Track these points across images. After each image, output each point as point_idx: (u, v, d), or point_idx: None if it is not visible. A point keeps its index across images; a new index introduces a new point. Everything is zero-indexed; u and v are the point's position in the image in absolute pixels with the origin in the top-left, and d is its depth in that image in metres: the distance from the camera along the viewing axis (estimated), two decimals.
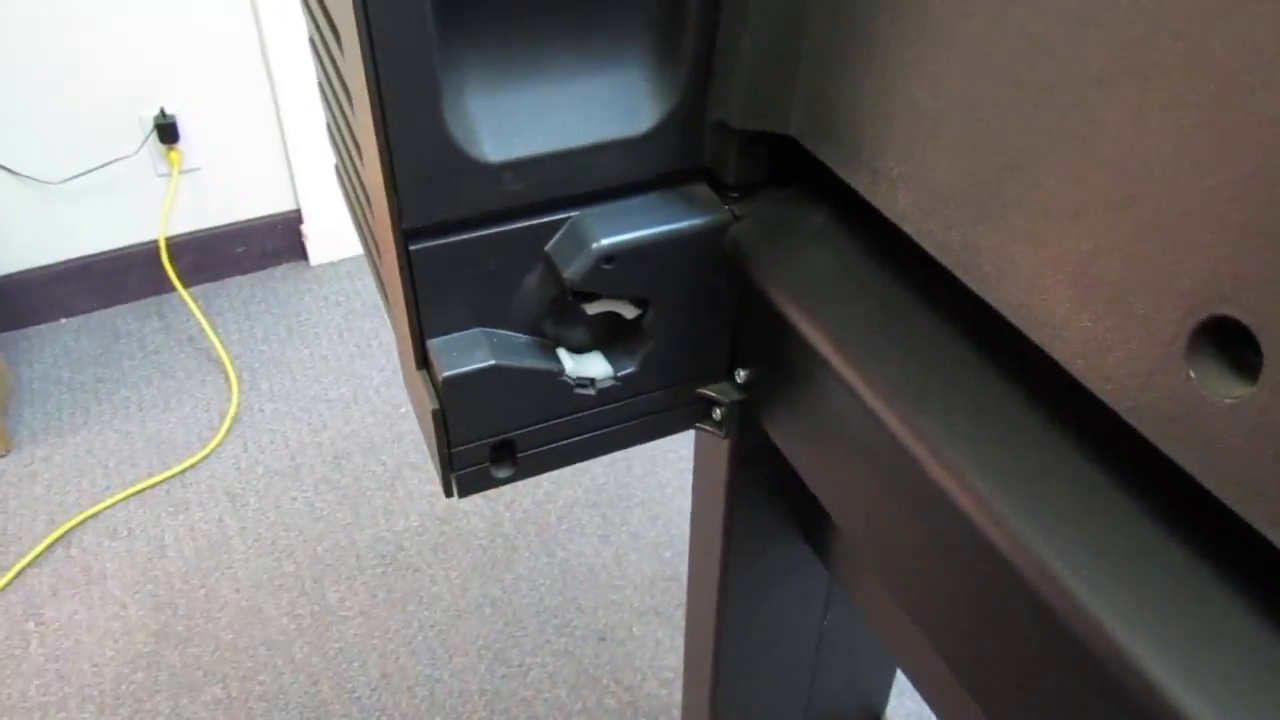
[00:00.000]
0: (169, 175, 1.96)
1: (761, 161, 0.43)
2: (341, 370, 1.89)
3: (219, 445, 1.73)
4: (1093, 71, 0.27)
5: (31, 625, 1.46)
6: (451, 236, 0.41)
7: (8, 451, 1.72)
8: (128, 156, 1.91)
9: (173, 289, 2.00)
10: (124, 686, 1.38)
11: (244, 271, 2.12)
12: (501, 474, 0.46)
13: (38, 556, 1.55)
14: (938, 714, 0.61)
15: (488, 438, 0.45)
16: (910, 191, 0.35)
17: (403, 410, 1.80)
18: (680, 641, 1.43)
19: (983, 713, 0.35)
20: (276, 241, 2.13)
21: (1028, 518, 0.32)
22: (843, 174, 0.38)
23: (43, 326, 1.99)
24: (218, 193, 2.04)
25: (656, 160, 0.43)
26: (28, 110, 1.81)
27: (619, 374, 0.46)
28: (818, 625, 0.76)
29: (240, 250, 2.10)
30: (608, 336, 0.47)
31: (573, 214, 0.42)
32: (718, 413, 0.49)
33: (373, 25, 0.34)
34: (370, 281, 2.10)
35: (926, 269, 0.36)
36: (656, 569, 1.53)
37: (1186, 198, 0.25)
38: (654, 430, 0.49)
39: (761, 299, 0.43)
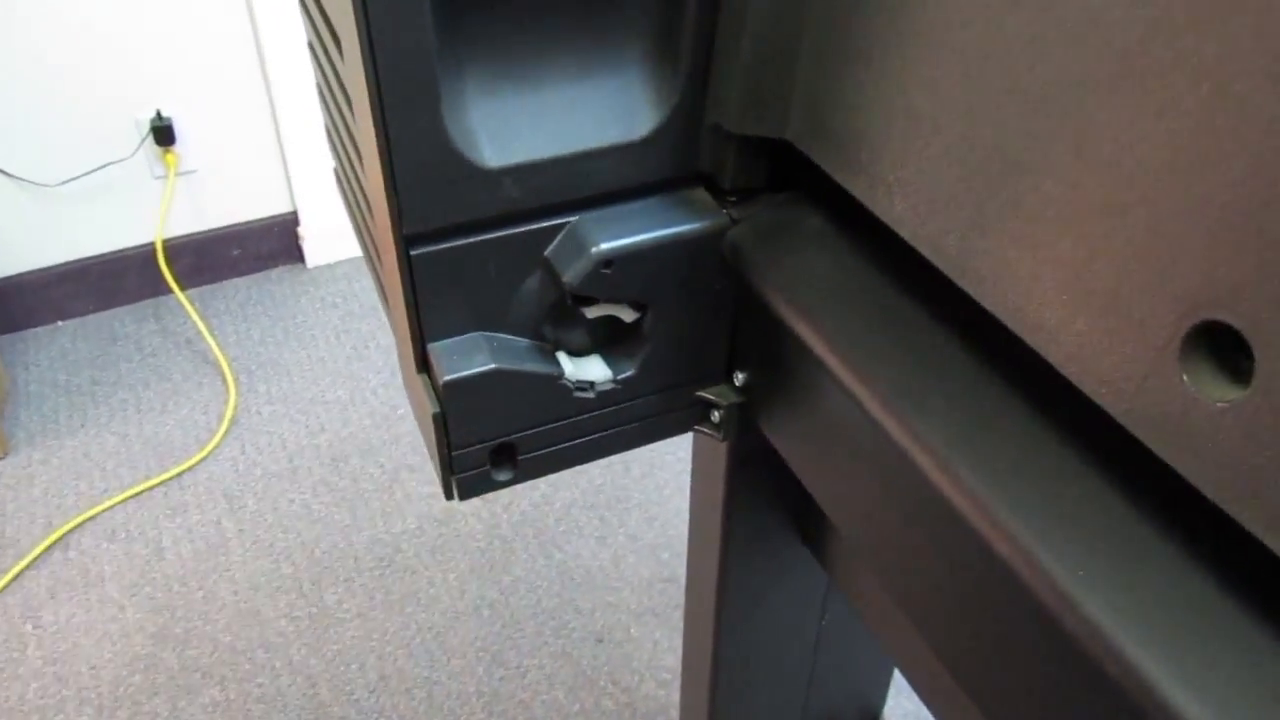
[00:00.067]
0: (165, 178, 1.96)
1: (759, 166, 0.44)
2: (339, 372, 1.89)
3: (216, 447, 1.73)
4: (1087, 79, 0.27)
5: (29, 628, 1.46)
6: (452, 241, 0.41)
7: (5, 454, 1.72)
8: (124, 159, 1.91)
9: (169, 291, 2.00)
10: (122, 689, 1.38)
11: (241, 274, 2.12)
12: (502, 477, 0.46)
13: (35, 559, 1.55)
14: (935, 714, 0.62)
15: (488, 441, 0.45)
16: (906, 196, 0.35)
17: (400, 412, 1.80)
18: (678, 643, 1.43)
19: (980, 713, 0.36)
20: (273, 244, 2.13)
21: (1024, 519, 0.32)
22: (840, 179, 0.39)
23: (39, 329, 1.99)
24: (214, 195, 2.04)
25: (655, 165, 0.43)
26: (24, 112, 1.81)
27: (618, 377, 0.46)
28: (815, 626, 0.76)
29: (237, 252, 2.10)
30: (607, 340, 0.47)
31: (572, 219, 0.43)
32: (716, 415, 0.49)
33: (373, 32, 0.35)
34: (367, 283, 2.11)
35: (923, 272, 0.37)
36: (654, 570, 1.54)
37: (1179, 203, 0.25)
38: (653, 433, 0.49)
39: (759, 303, 0.43)
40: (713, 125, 0.42)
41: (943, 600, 0.36)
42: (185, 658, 1.42)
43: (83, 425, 1.78)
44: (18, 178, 1.85)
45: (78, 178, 1.89)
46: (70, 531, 1.59)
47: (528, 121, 0.41)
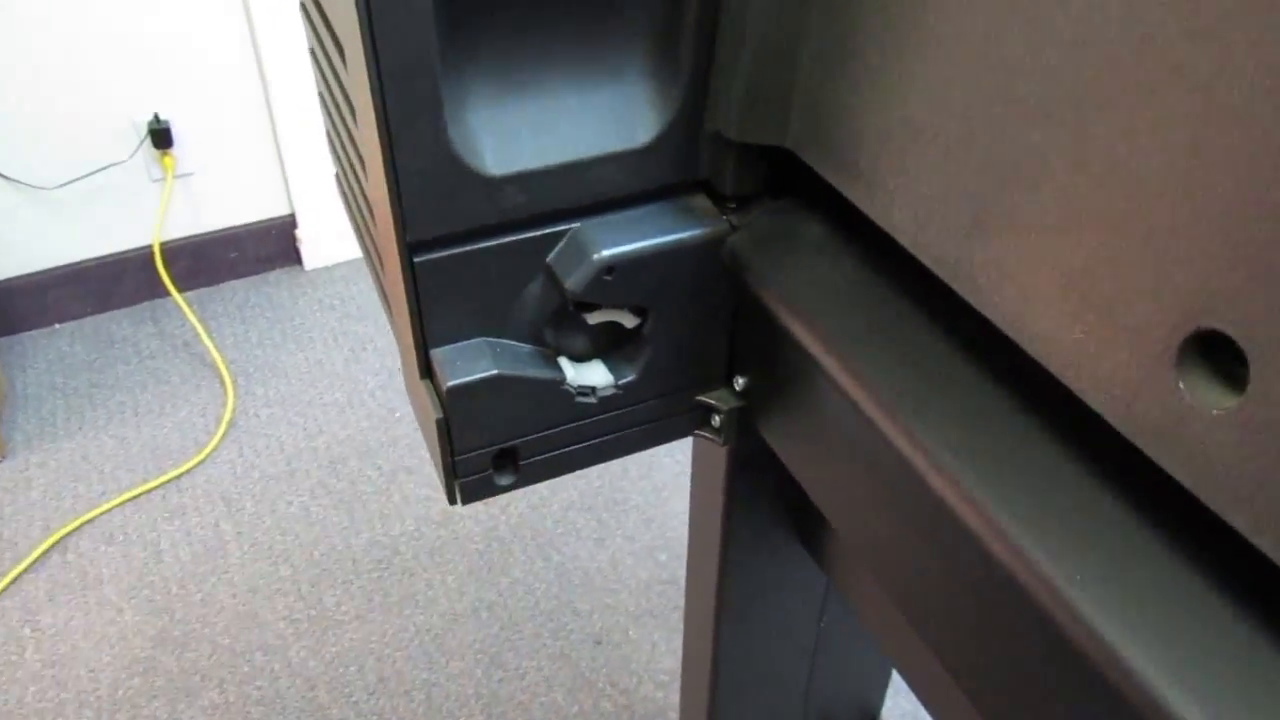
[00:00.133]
0: (163, 180, 1.96)
1: (758, 173, 0.44)
2: (337, 375, 1.89)
3: (214, 450, 1.74)
4: (1082, 91, 0.27)
5: (28, 631, 1.46)
6: (455, 248, 0.41)
7: (2, 457, 1.72)
8: (122, 162, 1.91)
9: (167, 294, 2.00)
10: (121, 692, 1.38)
11: (238, 276, 2.13)
12: (504, 481, 0.47)
13: (34, 562, 1.55)
14: (933, 714, 0.62)
15: (491, 446, 0.45)
16: (905, 204, 0.36)
17: (398, 414, 1.81)
18: (676, 644, 1.43)
19: (977, 713, 0.36)
20: (271, 246, 2.13)
21: (1022, 523, 0.32)
22: (839, 186, 0.39)
23: (36, 332, 1.99)
24: (212, 198, 2.04)
25: (655, 172, 0.43)
26: (21, 115, 1.81)
27: (620, 382, 0.46)
28: (814, 627, 0.76)
29: (234, 255, 2.10)
30: (608, 345, 0.47)
31: (574, 225, 0.43)
32: (716, 420, 0.50)
33: (377, 42, 0.35)
34: (365, 285, 2.11)
35: (922, 278, 0.37)
36: (652, 572, 1.54)
37: (1174, 214, 0.25)
38: (654, 437, 0.50)
39: (759, 308, 0.44)
40: (713, 133, 0.43)
41: (940, 601, 0.37)
42: (184, 660, 1.42)
43: (80, 428, 1.78)
44: (15, 180, 1.85)
45: (75, 180, 1.89)
46: (68, 534, 1.59)
47: (530, 129, 0.41)
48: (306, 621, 1.47)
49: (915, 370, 0.38)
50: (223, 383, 1.87)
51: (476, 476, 0.46)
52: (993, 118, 0.31)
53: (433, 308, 0.42)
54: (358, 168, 0.47)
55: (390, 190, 0.39)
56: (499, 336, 0.45)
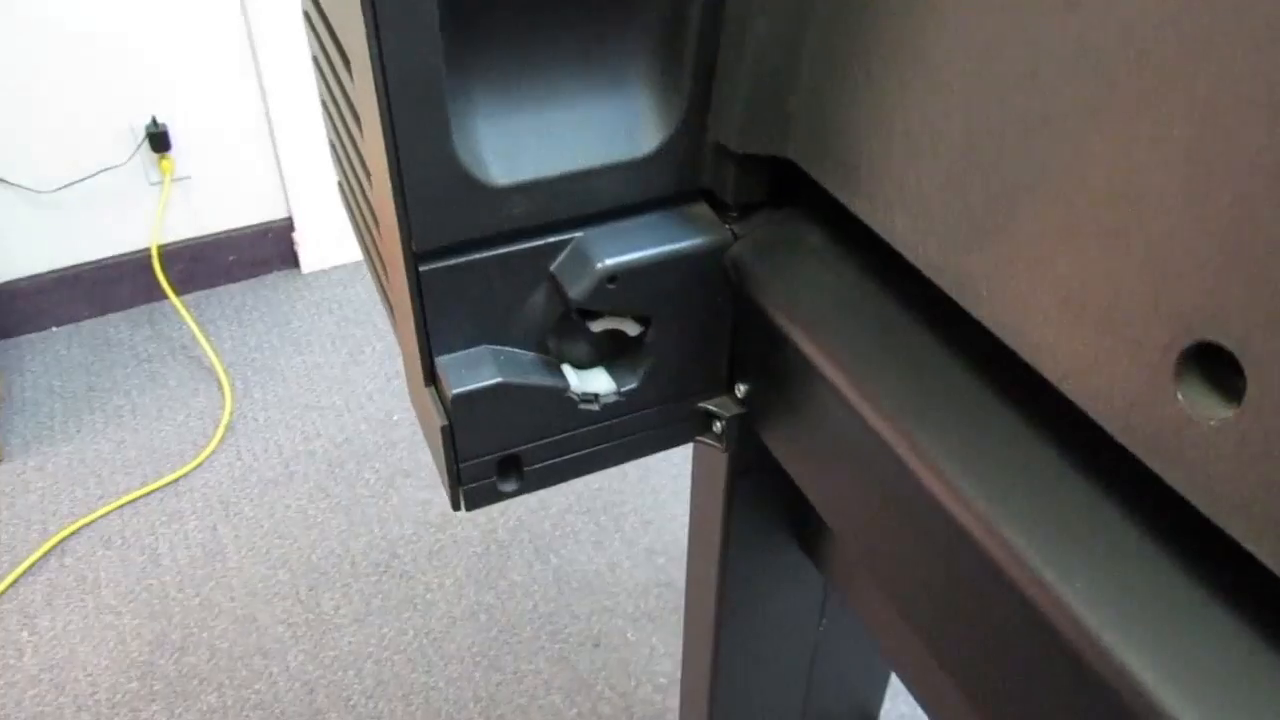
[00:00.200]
0: (160, 183, 1.97)
1: (760, 182, 0.44)
2: (334, 378, 1.89)
3: (212, 453, 1.74)
4: (1081, 107, 0.28)
5: (26, 635, 1.46)
6: (459, 257, 0.42)
7: (0, 461, 1.72)
8: (119, 165, 1.91)
9: (164, 297, 2.00)
10: (119, 696, 1.38)
11: (236, 279, 2.13)
12: (508, 488, 0.47)
13: (31, 566, 1.55)
14: (931, 717, 0.63)
15: (495, 452, 0.45)
16: (906, 215, 0.36)
17: (396, 418, 1.81)
18: (674, 647, 1.44)
19: (976, 716, 0.36)
20: (268, 249, 2.13)
21: (1021, 528, 0.33)
22: (840, 196, 0.40)
23: (33, 335, 1.99)
24: (209, 201, 2.04)
25: (658, 182, 0.44)
26: (20, 118, 1.81)
27: (622, 389, 0.47)
28: (814, 630, 0.77)
29: (232, 258, 2.10)
30: (611, 353, 0.48)
31: (577, 234, 0.43)
32: (718, 426, 0.50)
33: (385, 55, 0.35)
34: (362, 288, 2.11)
35: (922, 287, 0.37)
36: (650, 575, 1.54)
37: (1172, 228, 0.26)
38: (656, 444, 0.50)
39: (760, 316, 0.44)
40: (715, 143, 0.43)
41: (939, 605, 0.37)
42: (182, 664, 1.42)
43: (78, 431, 1.78)
44: (13, 184, 1.85)
45: (73, 184, 1.89)
46: (66, 538, 1.59)
47: (534, 140, 0.41)
48: (305, 625, 1.47)
49: (915, 377, 0.39)
50: (220, 386, 1.87)
51: (481, 483, 0.46)
52: (992, 131, 0.31)
53: (438, 316, 0.43)
54: (362, 177, 0.47)
55: (396, 200, 0.39)
56: (502, 344, 0.45)
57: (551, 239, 0.43)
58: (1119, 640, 0.29)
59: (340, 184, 0.62)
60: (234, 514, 1.64)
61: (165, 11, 1.83)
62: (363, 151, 0.44)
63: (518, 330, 0.45)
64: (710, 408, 0.50)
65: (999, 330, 0.33)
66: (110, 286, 2.02)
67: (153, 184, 1.97)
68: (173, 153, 1.94)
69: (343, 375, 1.90)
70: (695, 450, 0.62)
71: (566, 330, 0.46)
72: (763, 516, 0.65)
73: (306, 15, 0.56)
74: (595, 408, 0.47)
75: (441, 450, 0.44)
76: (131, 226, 1.99)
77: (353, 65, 0.40)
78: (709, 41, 0.41)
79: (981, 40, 0.31)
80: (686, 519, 1.61)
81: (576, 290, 0.43)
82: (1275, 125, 0.23)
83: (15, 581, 1.53)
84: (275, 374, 1.90)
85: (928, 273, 0.36)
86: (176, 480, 1.69)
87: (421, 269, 0.41)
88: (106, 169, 1.91)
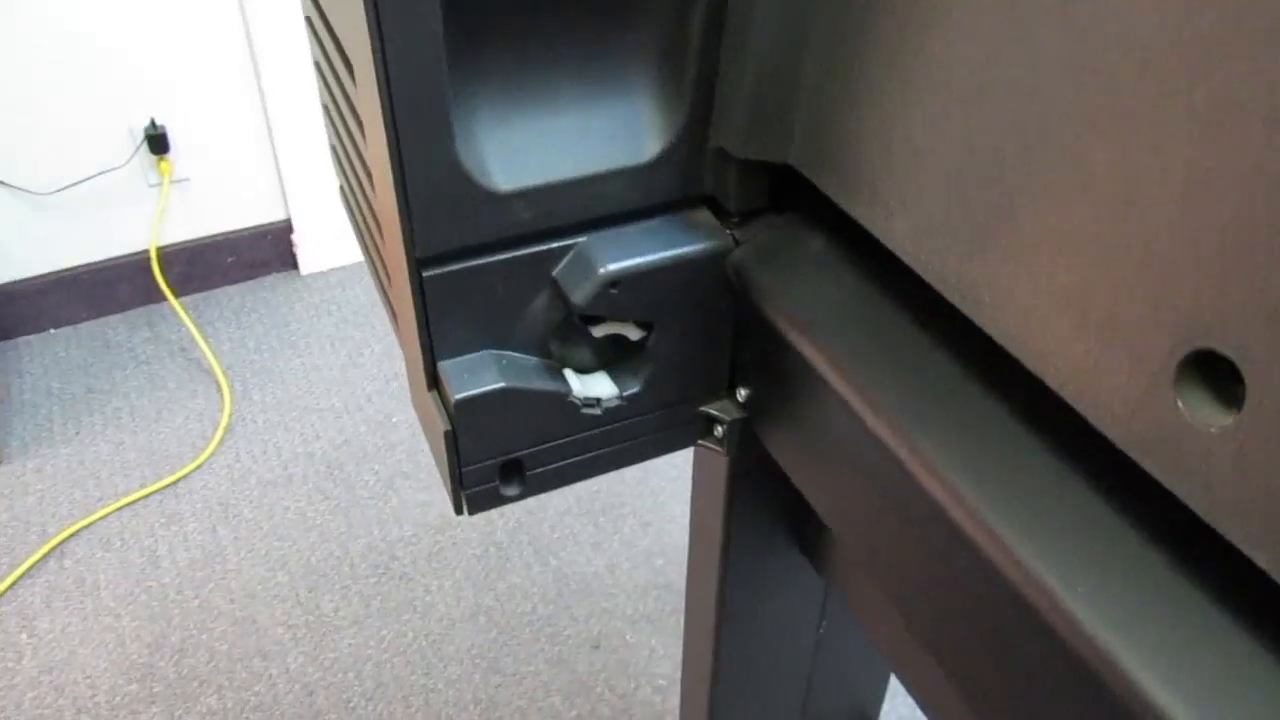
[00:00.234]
0: (159, 185, 1.97)
1: (761, 188, 0.45)
2: (333, 380, 1.90)
3: (211, 455, 1.74)
4: (1082, 116, 0.28)
5: (25, 638, 1.46)
6: (462, 262, 0.42)
7: None
8: (118, 167, 1.91)
9: (163, 299, 2.00)
10: (118, 698, 1.38)
11: (234, 281, 2.13)
12: (510, 492, 0.47)
13: (30, 568, 1.55)
14: (930, 718, 0.63)
15: (497, 457, 0.46)
16: (907, 222, 0.36)
17: (395, 420, 1.81)
18: (673, 649, 1.44)
19: (974, 717, 0.37)
20: (267, 251, 2.13)
21: (1022, 532, 0.33)
22: (841, 203, 0.40)
23: (32, 337, 1.99)
24: (208, 203, 2.04)
25: (660, 187, 0.44)
26: (19, 120, 1.81)
27: (624, 394, 0.47)
28: (813, 633, 0.77)
29: (231, 260, 2.10)
30: (612, 357, 0.48)
31: (579, 240, 0.44)
32: (719, 430, 0.50)
33: (389, 62, 0.36)
34: (361, 290, 2.11)
35: (923, 291, 0.38)
36: (649, 577, 1.55)
37: (1172, 237, 0.26)
38: (658, 448, 0.50)
39: (762, 321, 0.44)
40: (716, 149, 0.43)
41: (940, 608, 0.37)
42: (182, 666, 1.42)
43: (77, 433, 1.78)
44: (12, 185, 1.85)
45: (72, 185, 1.89)
46: (65, 540, 1.59)
47: (537, 146, 0.41)
48: (304, 627, 1.47)
49: (916, 381, 0.39)
50: (219, 388, 1.87)
51: (483, 487, 0.46)
52: (992, 138, 0.32)
53: (440, 321, 0.43)
54: (365, 182, 0.47)
55: (399, 206, 0.39)
56: (505, 348, 0.45)
57: (554, 244, 0.43)
58: (1119, 643, 0.29)
59: (342, 188, 0.62)
60: (233, 516, 1.64)
61: (164, 14, 1.83)
62: (365, 157, 0.44)
63: (520, 335, 0.45)
64: (712, 412, 0.50)
65: (999, 336, 0.33)
66: (109, 288, 2.02)
67: (151, 186, 1.97)
68: (171, 155, 1.94)
69: (341, 377, 1.90)
70: (696, 453, 0.62)
71: (568, 335, 0.46)
72: (763, 519, 0.65)
73: (308, 20, 0.56)
74: (597, 412, 0.47)
75: (444, 455, 0.45)
76: (130, 228, 1.99)
77: (355, 71, 0.40)
78: (711, 48, 0.41)
79: (982, 48, 0.31)
80: (685, 521, 1.62)
81: (579, 295, 0.43)
82: (1274, 134, 0.23)
83: (14, 584, 1.53)
84: (274, 376, 1.90)
85: (928, 279, 0.36)
86: (175, 482, 1.69)
87: (424, 274, 0.41)
88: (105, 171, 1.91)
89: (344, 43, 0.42)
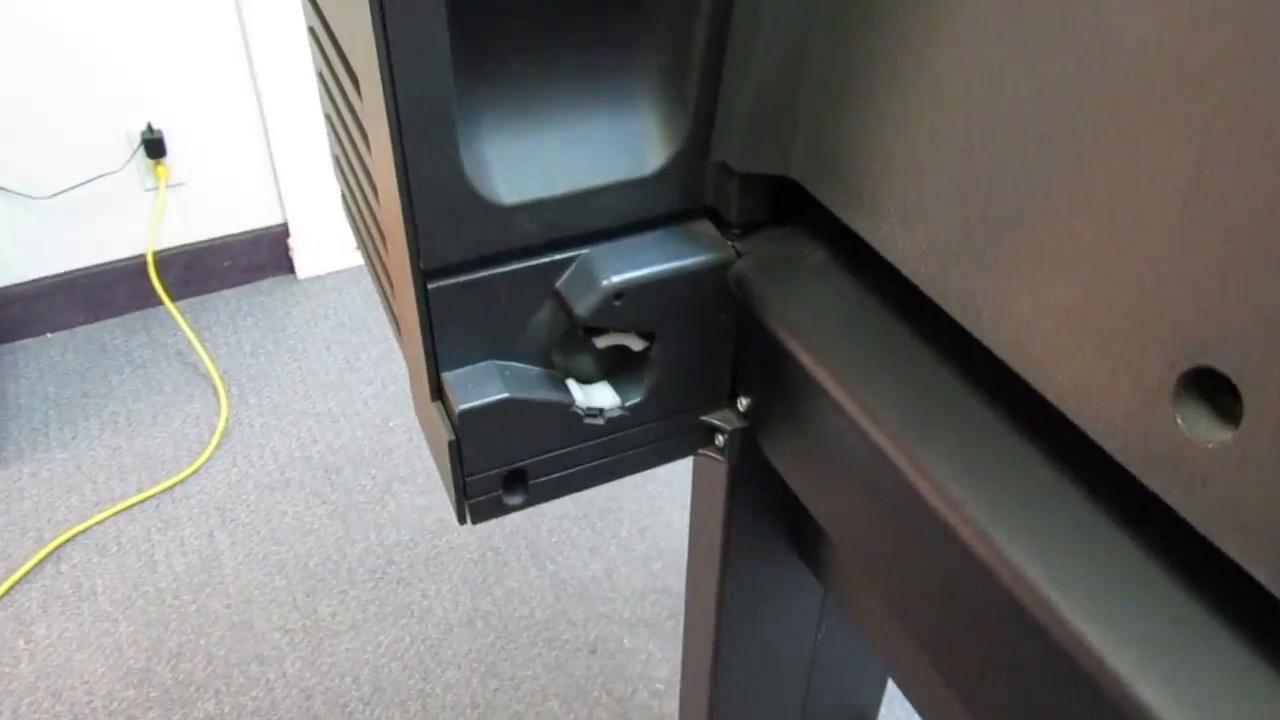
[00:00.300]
0: (156, 190, 1.97)
1: (762, 200, 0.45)
2: (330, 384, 1.90)
3: (208, 460, 1.74)
4: (1081, 134, 0.29)
5: (21, 643, 1.45)
6: (467, 275, 0.42)
7: None
8: (115, 171, 1.91)
9: (159, 303, 2.00)
10: (116, 703, 1.38)
11: (231, 285, 2.13)
12: (513, 501, 0.47)
13: (27, 573, 1.55)
14: None
15: (501, 467, 0.46)
16: (908, 236, 0.37)
17: (392, 424, 1.81)
18: (670, 653, 1.44)
19: None
20: (263, 255, 2.13)
21: (1022, 543, 0.33)
22: (843, 216, 0.40)
23: (28, 341, 1.98)
24: (205, 207, 2.04)
25: (662, 200, 0.44)
26: (15, 125, 1.81)
27: (627, 404, 0.47)
28: (812, 639, 0.77)
29: (227, 264, 2.10)
30: (615, 367, 0.48)
31: (582, 251, 0.44)
32: (720, 439, 0.51)
33: (397, 78, 0.36)
34: (358, 294, 2.11)
35: (923, 303, 0.38)
36: (646, 581, 1.55)
37: (1170, 255, 0.27)
38: (659, 456, 0.50)
39: (763, 332, 0.45)
40: (718, 162, 0.44)
41: (939, 616, 0.38)
42: (179, 671, 1.42)
43: (73, 438, 1.78)
44: (8, 190, 1.85)
45: (68, 190, 1.89)
46: (61, 545, 1.59)
47: (541, 159, 0.42)
48: (301, 632, 1.47)
49: (916, 392, 0.39)
50: (216, 392, 1.87)
51: (486, 496, 0.47)
52: (992, 155, 0.32)
53: (445, 332, 0.43)
54: (369, 193, 0.48)
55: (405, 219, 0.40)
56: (508, 359, 0.46)
57: (557, 256, 0.44)
58: (1117, 653, 0.30)
59: (344, 196, 0.63)
60: (230, 520, 1.64)
61: (161, 18, 1.83)
62: (370, 169, 0.45)
63: (523, 346, 0.46)
64: (713, 421, 0.50)
65: (999, 350, 0.34)
66: (105, 292, 2.01)
67: (148, 190, 1.97)
68: (168, 159, 1.94)
69: (339, 381, 1.90)
70: (695, 461, 0.62)
71: (571, 345, 0.47)
72: (762, 525, 0.65)
73: (311, 30, 0.57)
74: (600, 422, 0.47)
75: (448, 465, 0.45)
76: (127, 232, 1.99)
77: (362, 86, 0.41)
78: (713, 63, 0.41)
79: (983, 65, 0.32)
80: (682, 525, 1.62)
81: (582, 307, 0.43)
82: (1271, 157, 0.24)
83: (11, 589, 1.52)
84: (271, 380, 1.90)
85: (928, 292, 0.36)
86: (172, 487, 1.69)
87: (430, 286, 0.42)
88: (102, 175, 1.91)
89: (350, 56, 0.43)
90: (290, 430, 1.80)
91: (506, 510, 0.48)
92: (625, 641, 1.47)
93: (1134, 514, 0.32)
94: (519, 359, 0.46)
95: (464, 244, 0.41)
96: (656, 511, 1.65)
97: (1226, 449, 0.26)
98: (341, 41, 0.45)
